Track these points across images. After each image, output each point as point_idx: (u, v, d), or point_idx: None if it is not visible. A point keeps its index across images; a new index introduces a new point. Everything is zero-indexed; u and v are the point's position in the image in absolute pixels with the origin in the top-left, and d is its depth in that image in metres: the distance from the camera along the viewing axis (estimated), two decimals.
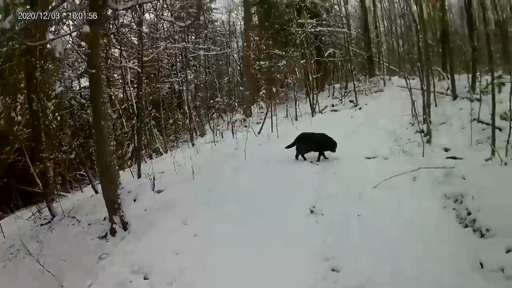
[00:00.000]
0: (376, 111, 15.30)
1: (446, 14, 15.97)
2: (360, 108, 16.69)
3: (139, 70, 13.21)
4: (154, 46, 20.61)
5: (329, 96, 19.85)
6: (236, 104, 23.13)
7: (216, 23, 29.73)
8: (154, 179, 9.96)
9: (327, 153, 10.61)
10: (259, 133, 14.55)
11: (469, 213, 7.05)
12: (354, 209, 7.79)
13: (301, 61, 17.77)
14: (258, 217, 7.82)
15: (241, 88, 21.87)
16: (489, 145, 9.06)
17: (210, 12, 27.92)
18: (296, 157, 10.53)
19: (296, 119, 16.32)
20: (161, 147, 20.32)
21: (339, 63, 22.48)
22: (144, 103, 18.15)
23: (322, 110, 17.47)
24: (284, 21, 18.56)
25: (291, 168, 10.16)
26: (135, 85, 20.03)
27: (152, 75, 22.45)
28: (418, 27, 12.83)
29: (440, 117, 11.77)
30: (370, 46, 21.10)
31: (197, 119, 22.66)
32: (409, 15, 22.22)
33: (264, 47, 18.68)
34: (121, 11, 10.25)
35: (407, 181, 8.44)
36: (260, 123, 16.13)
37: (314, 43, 20.58)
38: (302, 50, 18.21)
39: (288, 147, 10.54)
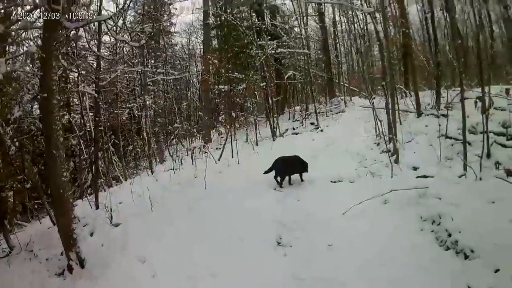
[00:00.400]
0: (338, 133, 14.92)
1: (408, 31, 15.78)
2: (321, 130, 16.24)
3: (96, 95, 12.19)
4: (112, 69, 19.66)
5: (289, 119, 19.41)
6: (195, 130, 22.21)
7: (175, 47, 28.98)
8: (111, 211, 9.39)
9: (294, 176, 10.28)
10: (219, 159, 13.77)
11: (449, 235, 6.53)
12: (324, 239, 7.21)
13: (261, 84, 17.08)
14: (221, 254, 7.25)
15: (199, 113, 21.00)
16: (460, 161, 8.84)
17: (170, 35, 27.17)
18: (277, 181, 10.13)
19: (257, 144, 15.69)
20: (121, 175, 19.12)
21: (299, 85, 22.17)
22: (102, 129, 17.33)
23: (283, 133, 16.93)
24: (244, 43, 17.97)
25: (253, 196, 9.48)
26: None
27: (110, 100, 21.36)
28: (383, 45, 12.44)
29: (406, 135, 11.39)
30: (331, 67, 20.90)
31: (156, 146, 21.58)
32: (370, 35, 22.65)
33: (223, 71, 18.07)
34: (80, 32, 9.61)
35: (379, 205, 7.88)
36: (220, 148, 15.42)
37: (274, 65, 20.15)
38: (262, 73, 17.61)
39: (266, 172, 10.18)
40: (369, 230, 7.16)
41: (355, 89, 22.03)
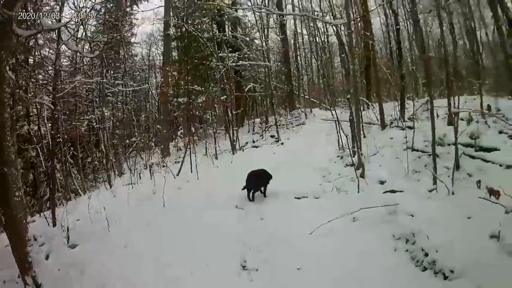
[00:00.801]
0: (299, 146, 14.54)
1: (372, 43, 15.66)
2: (282, 143, 15.80)
3: (52, 106, 11.33)
4: (69, 80, 18.64)
5: (249, 132, 18.85)
6: (152, 143, 21.26)
7: (135, 58, 27.90)
8: (68, 230, 8.88)
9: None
10: (178, 174, 13.01)
11: (426, 254, 6.05)
12: (292, 261, 6.56)
13: (221, 98, 16.47)
14: (182, 280, 6.55)
15: (158, 126, 20.06)
16: (429, 173, 8.60)
17: (130, 46, 26.12)
18: (249, 196, 9.73)
19: (216, 158, 14.98)
20: (79, 188, 17.98)
21: (259, 97, 21.67)
22: (61, 140, 16.90)
23: (243, 146, 16.31)
24: (204, 55, 17.32)
25: (213, 215, 8.77)
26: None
27: (69, 112, 20.18)
28: (347, 58, 12.15)
29: (371, 148, 11.09)
30: (291, 79, 20.54)
31: (114, 159, 20.46)
32: (330, 47, 22.59)
33: (183, 83, 17.43)
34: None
35: (348, 223, 7.33)
36: (179, 162, 14.69)
37: (234, 78, 19.60)
38: (222, 86, 17.00)
39: (244, 188, 9.78)
40: (339, 250, 6.61)
41: (316, 101, 21.83)
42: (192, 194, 10.31)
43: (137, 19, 24.78)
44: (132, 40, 26.71)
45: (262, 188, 9.77)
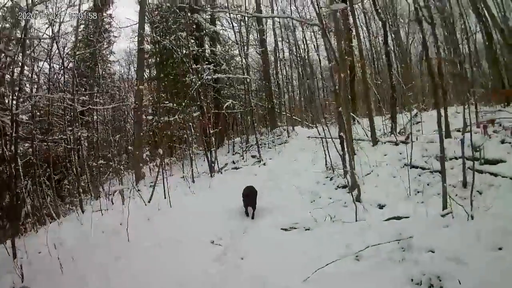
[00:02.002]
0: (283, 166, 12.92)
1: (358, 56, 14.21)
2: (264, 164, 14.15)
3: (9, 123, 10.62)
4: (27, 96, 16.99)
5: (229, 152, 17.08)
6: (121, 167, 19.16)
7: (114, 76, 25.89)
8: (21, 269, 7.08)
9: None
10: (149, 201, 11.01)
11: None
12: None
13: (195, 114, 14.65)
14: None
15: (129, 147, 17.99)
16: (434, 194, 7.58)
17: (109, 64, 24.17)
18: (246, 213, 8.89)
19: (193, 181, 13.18)
20: (53, 212, 15.83)
21: (239, 115, 19.90)
22: (35, 161, 15.23)
23: (222, 168, 14.51)
24: (181, 72, 15.57)
25: (184, 252, 7.04)
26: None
27: (44, 130, 18.15)
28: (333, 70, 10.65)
29: (363, 167, 9.50)
30: (272, 97, 18.84)
31: (90, 181, 18.28)
32: (311, 63, 21.21)
33: (157, 101, 15.65)
34: None
35: (350, 265, 5.46)
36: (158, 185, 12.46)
37: (212, 95, 17.88)
38: (199, 102, 15.20)
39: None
40: None
41: (297, 118, 20.29)
42: (162, 226, 8.50)
43: (116, 36, 22.82)
44: (111, 58, 24.81)
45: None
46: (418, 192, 7.96)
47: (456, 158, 8.47)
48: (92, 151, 21.24)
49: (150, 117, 14.35)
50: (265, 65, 19.13)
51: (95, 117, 22.89)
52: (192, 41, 17.07)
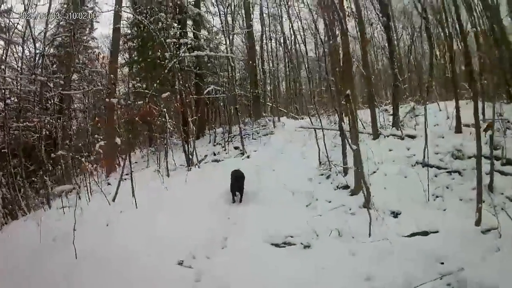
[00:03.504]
0: (269, 160, 10.75)
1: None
2: (248, 157, 11.95)
3: None
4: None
5: (210, 142, 14.68)
6: (83, 159, 16.72)
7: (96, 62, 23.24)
8: None
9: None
10: (113, 199, 8.80)
11: None
12: None
13: (164, 95, 11.94)
14: None
15: (97, 136, 15.51)
16: (455, 199, 5.99)
17: (90, 50, 21.48)
18: (233, 199, 7.92)
19: (168, 175, 10.97)
20: (25, 205, 14.02)
21: (222, 104, 17.59)
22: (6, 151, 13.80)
23: (202, 160, 12.36)
24: (159, 56, 13.21)
25: (148, 273, 5.05)
26: None
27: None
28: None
29: (366, 163, 7.38)
30: (257, 85, 16.67)
31: (63, 172, 15.93)
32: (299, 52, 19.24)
33: (132, 85, 13.64)
34: None
35: None
36: (126, 179, 10.15)
37: (193, 80, 15.58)
38: (174, 84, 12.85)
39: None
40: None
41: (283, 109, 18.27)
42: (121, 234, 6.34)
43: (98, 22, 20.32)
44: (92, 44, 22.20)
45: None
46: (437, 196, 6.18)
47: (475, 157, 6.68)
48: (67, 140, 18.71)
49: (114, 100, 11.78)
50: (251, 51, 16.93)
51: (76, 105, 20.44)
52: (175, 24, 14.78)
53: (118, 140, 9.96)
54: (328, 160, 8.18)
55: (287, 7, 18.00)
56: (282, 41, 19.56)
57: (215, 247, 5.75)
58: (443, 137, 7.70)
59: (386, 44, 11.81)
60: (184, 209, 7.24)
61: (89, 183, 10.34)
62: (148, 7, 14.97)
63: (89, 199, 9.22)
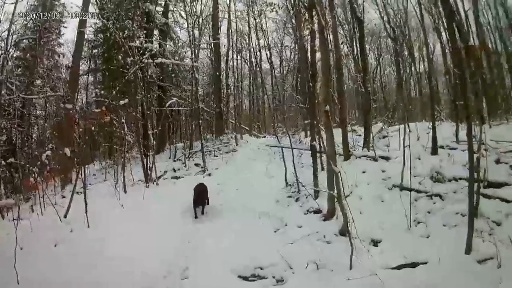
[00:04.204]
0: (232, 179, 9.96)
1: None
2: (209, 175, 11.09)
3: None
4: None
5: (170, 158, 13.42)
6: (34, 169, 15.00)
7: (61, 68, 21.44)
8: None
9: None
10: (65, 216, 7.54)
11: None
12: None
13: (122, 102, 10.70)
14: None
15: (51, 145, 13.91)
16: (438, 225, 5.35)
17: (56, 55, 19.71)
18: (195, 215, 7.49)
19: (125, 191, 9.77)
20: None
21: (184, 118, 16.42)
22: None
23: (161, 176, 11.24)
24: (123, 64, 12.01)
25: None
26: None
27: None
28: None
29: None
30: (221, 101, 15.72)
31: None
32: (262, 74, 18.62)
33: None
34: None
35: None
36: (80, 193, 8.64)
37: (156, 91, 14.37)
38: (141, 93, 11.65)
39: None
40: None
41: (245, 127, 17.45)
42: (67, 260, 5.38)
43: (66, 27, 18.70)
44: (59, 50, 20.46)
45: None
46: (418, 222, 5.53)
47: (456, 180, 6.21)
48: (25, 148, 16.89)
49: (69, 106, 10.48)
50: (217, 65, 16.04)
51: (38, 111, 18.57)
52: (141, 34, 13.73)
53: (67, 151, 8.66)
54: (297, 181, 7.40)
55: (255, 23, 17.37)
56: (248, 57, 18.90)
57: (175, 278, 4.84)
58: (419, 159, 7.12)
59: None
60: (141, 230, 6.35)
61: (42, 195, 9.02)
62: (116, 13, 13.89)
63: (41, 212, 7.92)
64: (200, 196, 7.78)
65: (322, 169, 7.79)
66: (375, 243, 5.12)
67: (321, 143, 8.33)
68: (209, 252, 5.32)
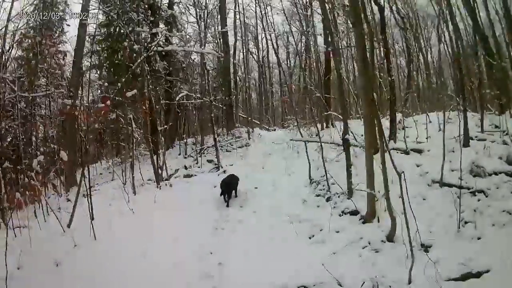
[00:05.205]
0: (250, 176, 9.24)
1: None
2: (224, 172, 10.27)
3: None
4: None
5: (180, 154, 12.76)
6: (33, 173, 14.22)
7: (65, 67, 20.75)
8: None
9: None
10: (68, 225, 6.74)
11: None
12: None
13: (129, 93, 9.94)
14: None
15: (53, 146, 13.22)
16: (490, 224, 4.82)
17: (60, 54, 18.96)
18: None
19: (135, 193, 9.02)
20: None
21: (194, 112, 15.68)
22: None
23: (172, 175, 10.58)
24: (130, 57, 11.35)
25: None
26: None
27: None
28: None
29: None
30: (231, 94, 15.06)
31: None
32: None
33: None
34: None
35: None
36: (88, 195, 7.98)
37: (164, 86, 13.65)
38: (147, 87, 10.94)
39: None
40: None
41: (256, 121, 16.87)
42: (73, 283, 4.69)
43: (69, 25, 17.96)
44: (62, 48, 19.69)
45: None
46: (466, 222, 4.96)
47: (496, 174, 5.71)
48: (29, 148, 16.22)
49: (68, 101, 9.84)
50: (226, 57, 15.33)
51: (43, 111, 17.87)
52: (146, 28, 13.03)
53: (64, 156, 7.95)
54: (327, 178, 6.84)
55: (261, 16, 16.78)
56: (255, 50, 18.28)
57: None
58: (453, 152, 6.56)
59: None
60: (154, 244, 5.66)
61: (46, 199, 8.31)
62: (119, 6, 13.17)
63: (44, 218, 7.19)
64: (228, 187, 7.92)
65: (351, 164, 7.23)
66: (426, 248, 4.56)
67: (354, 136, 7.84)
68: (240, 268, 4.73)
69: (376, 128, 5.63)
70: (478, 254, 4.26)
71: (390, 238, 4.70)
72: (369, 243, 4.80)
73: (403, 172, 4.64)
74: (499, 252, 4.23)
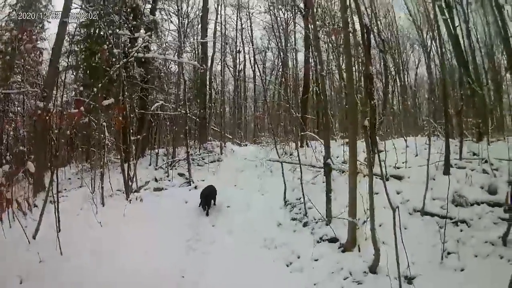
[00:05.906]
0: (220, 193, 8.63)
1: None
2: (195, 187, 9.81)
3: None
4: None
5: (150, 165, 12.08)
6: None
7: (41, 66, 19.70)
8: None
9: None
10: (34, 237, 6.19)
11: None
12: None
13: (105, 102, 9.28)
14: None
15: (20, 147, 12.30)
16: (469, 256, 4.71)
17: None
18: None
19: (103, 203, 8.38)
20: None
21: (168, 123, 15.06)
22: None
23: (142, 187, 9.99)
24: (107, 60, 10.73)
25: None
26: None
27: None
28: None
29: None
30: (205, 107, 14.63)
31: None
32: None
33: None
34: None
35: None
36: (54, 202, 7.30)
37: (138, 93, 13.03)
38: (121, 97, 10.33)
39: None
40: None
41: (228, 135, 16.49)
42: None
43: (50, 21, 17.07)
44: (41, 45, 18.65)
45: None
46: (449, 253, 4.80)
47: (477, 204, 5.59)
48: None
49: (40, 103, 9.15)
50: (203, 66, 14.90)
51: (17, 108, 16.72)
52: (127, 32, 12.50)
53: (31, 166, 7.28)
54: (305, 203, 6.53)
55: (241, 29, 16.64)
56: (231, 64, 18.01)
57: None
58: (434, 179, 6.42)
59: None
60: (121, 261, 5.19)
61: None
62: (101, 6, 12.62)
63: (10, 225, 6.65)
64: (209, 198, 8.10)
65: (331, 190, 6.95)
66: (409, 280, 4.34)
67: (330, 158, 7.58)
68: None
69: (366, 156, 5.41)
70: (462, 286, 4.17)
71: (373, 269, 4.44)
72: (351, 274, 4.54)
73: (397, 207, 4.39)
74: (481, 284, 4.18)
